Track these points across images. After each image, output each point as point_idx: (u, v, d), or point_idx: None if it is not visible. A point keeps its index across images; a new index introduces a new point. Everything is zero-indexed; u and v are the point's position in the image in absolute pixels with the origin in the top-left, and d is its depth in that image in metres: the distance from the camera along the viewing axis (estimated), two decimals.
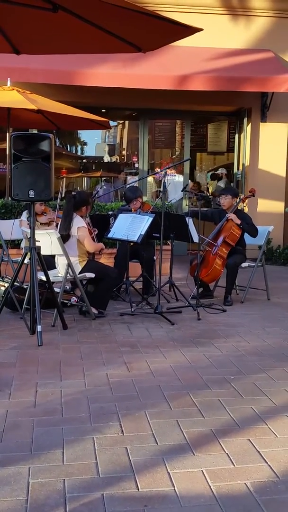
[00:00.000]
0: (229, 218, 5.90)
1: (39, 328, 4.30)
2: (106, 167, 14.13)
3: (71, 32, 4.30)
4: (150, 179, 10.77)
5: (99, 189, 10.21)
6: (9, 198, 6.68)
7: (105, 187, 11.82)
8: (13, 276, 4.79)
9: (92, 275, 5.13)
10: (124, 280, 5.91)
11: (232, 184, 10.91)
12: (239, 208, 6.20)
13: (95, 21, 4.06)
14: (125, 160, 13.87)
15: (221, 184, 11.40)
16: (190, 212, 6.04)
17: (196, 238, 5.80)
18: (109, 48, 4.73)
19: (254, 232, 5.93)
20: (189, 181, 10.64)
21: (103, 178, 13.30)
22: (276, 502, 2.18)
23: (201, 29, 4.05)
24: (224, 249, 5.88)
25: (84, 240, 5.09)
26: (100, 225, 5.88)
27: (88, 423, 2.88)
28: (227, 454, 2.57)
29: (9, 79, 7.23)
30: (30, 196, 4.38)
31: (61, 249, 4.85)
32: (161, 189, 5.49)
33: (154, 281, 6.18)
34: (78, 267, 5.08)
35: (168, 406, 3.12)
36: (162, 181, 5.56)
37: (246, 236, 6.05)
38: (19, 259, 4.94)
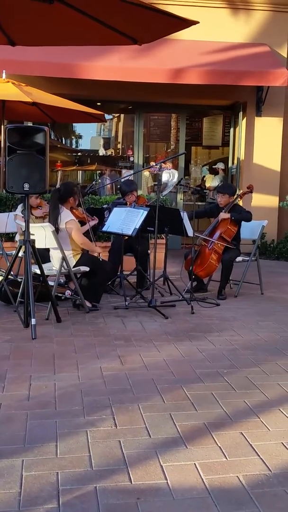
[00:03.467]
0: (220, 219, 5.91)
1: (33, 321, 4.30)
2: (101, 160, 14.10)
3: (66, 24, 4.28)
4: (146, 173, 10.75)
5: (94, 183, 10.18)
6: (4, 191, 6.66)
7: (100, 180, 11.81)
8: (7, 269, 4.78)
9: (87, 268, 5.13)
10: (118, 273, 5.91)
11: (227, 179, 10.90)
12: (235, 203, 6.19)
13: (91, 13, 4.04)
14: (120, 154, 13.83)
15: (218, 178, 11.38)
16: (188, 213, 6.03)
17: (190, 232, 5.80)
18: (105, 40, 4.71)
19: (247, 219, 5.91)
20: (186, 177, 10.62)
21: (98, 172, 13.28)
22: (268, 495, 2.19)
23: (197, 22, 4.04)
24: (220, 245, 5.88)
25: (72, 233, 5.04)
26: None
27: (81, 416, 2.88)
28: (219, 447, 2.58)
29: (4, 71, 7.19)
30: (24, 189, 4.37)
31: (55, 243, 4.84)
32: (157, 183, 5.48)
33: (148, 274, 6.19)
34: (72, 261, 5.07)
35: (161, 399, 3.13)
36: (158, 175, 5.55)
37: (241, 230, 6.06)
38: (14, 252, 4.93)
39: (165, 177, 10.33)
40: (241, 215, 5.91)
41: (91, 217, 5.60)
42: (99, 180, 11.98)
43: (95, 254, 5.31)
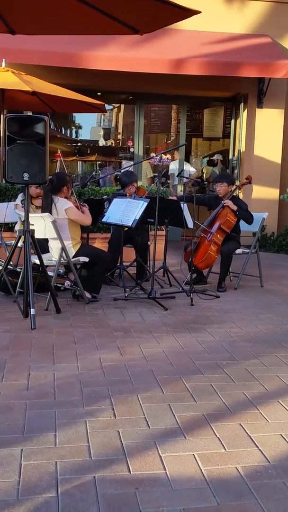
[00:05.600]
0: (225, 204, 5.87)
1: (32, 311, 4.30)
2: (101, 151, 14.05)
3: (67, 13, 4.24)
4: (145, 164, 10.71)
5: (94, 173, 10.17)
6: (3, 181, 6.63)
7: (99, 171, 11.78)
8: (6, 259, 4.77)
9: (86, 259, 5.12)
10: (118, 265, 5.90)
11: (227, 170, 10.87)
12: (234, 195, 6.18)
13: (92, 2, 4.00)
14: (120, 144, 13.78)
15: (216, 170, 11.36)
16: (185, 197, 6.01)
17: (190, 224, 5.79)
18: (106, 30, 4.67)
19: (249, 219, 5.92)
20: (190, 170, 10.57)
21: (98, 163, 13.24)
22: (267, 487, 2.20)
23: (199, 12, 4.00)
24: (219, 236, 5.87)
25: (78, 218, 5.06)
26: (95, 209, 5.85)
27: (80, 406, 2.89)
28: (218, 438, 2.59)
29: (4, 59, 7.13)
30: (24, 179, 4.35)
31: (55, 233, 4.83)
32: (158, 174, 5.45)
33: (148, 266, 6.18)
34: (71, 251, 5.06)
35: (161, 390, 3.14)
36: (158, 166, 5.52)
37: (241, 223, 6.04)
38: (13, 242, 4.92)
39: (173, 165, 10.30)
40: (246, 214, 5.88)
41: (82, 204, 5.58)
42: (99, 171, 11.95)
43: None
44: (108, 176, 10.95)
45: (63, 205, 5.01)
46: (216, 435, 2.61)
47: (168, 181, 10.51)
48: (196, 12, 3.99)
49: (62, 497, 2.08)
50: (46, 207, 5.00)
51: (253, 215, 5.95)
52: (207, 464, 2.35)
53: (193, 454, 2.43)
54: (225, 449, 2.49)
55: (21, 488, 2.13)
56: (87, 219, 5.20)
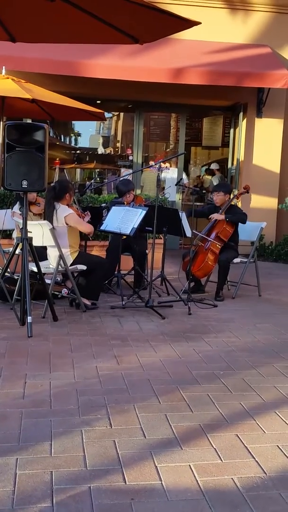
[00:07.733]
0: (212, 218, 5.91)
1: (29, 319, 4.29)
2: (100, 158, 14.08)
3: (68, 22, 4.26)
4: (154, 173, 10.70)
5: (93, 181, 10.17)
6: (1, 188, 6.64)
7: (98, 179, 11.79)
8: (4, 266, 4.76)
9: (84, 267, 5.12)
10: (116, 273, 5.90)
11: (226, 180, 10.89)
12: (232, 203, 6.19)
13: (93, 11, 4.02)
14: (119, 152, 13.81)
15: (215, 179, 11.38)
16: (187, 211, 6.02)
17: (188, 233, 5.79)
18: (106, 39, 4.69)
19: (241, 220, 5.92)
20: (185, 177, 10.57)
21: (97, 170, 13.25)
22: (263, 498, 2.19)
23: (199, 23, 4.02)
24: (216, 245, 5.88)
25: (78, 225, 5.06)
26: (93, 217, 5.86)
27: (76, 415, 2.87)
28: (214, 449, 2.58)
29: (4, 67, 7.16)
30: (23, 186, 4.36)
31: (53, 240, 4.82)
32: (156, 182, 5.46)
33: (146, 274, 6.18)
34: (69, 259, 5.06)
35: (157, 400, 3.13)
36: (157, 174, 5.54)
37: (240, 232, 6.05)
38: (10, 249, 4.91)
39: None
40: (236, 216, 5.91)
41: (83, 213, 5.59)
42: (97, 179, 11.95)
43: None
44: (111, 182, 10.94)
45: (63, 212, 5.02)
46: (212, 446, 2.60)
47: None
48: (196, 23, 4.01)
49: (57, 507, 2.07)
50: (49, 216, 5.00)
51: (245, 214, 5.97)
52: (203, 475, 2.34)
53: (189, 465, 2.41)
54: (221, 460, 2.47)
55: (16, 497, 2.12)
56: (86, 227, 5.18)
